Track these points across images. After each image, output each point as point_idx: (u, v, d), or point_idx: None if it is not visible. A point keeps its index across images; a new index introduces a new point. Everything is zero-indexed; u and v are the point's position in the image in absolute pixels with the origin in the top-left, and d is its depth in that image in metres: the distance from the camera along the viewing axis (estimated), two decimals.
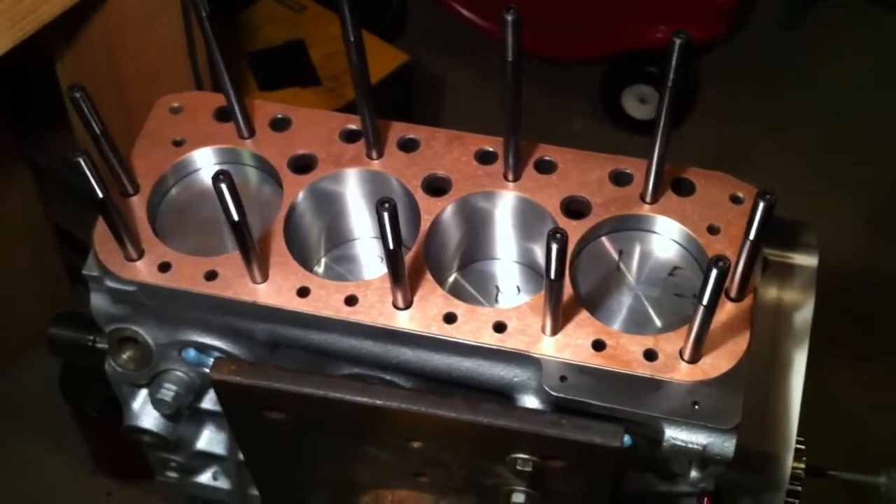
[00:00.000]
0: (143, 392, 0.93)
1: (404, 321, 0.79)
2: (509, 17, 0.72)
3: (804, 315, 0.89)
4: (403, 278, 0.77)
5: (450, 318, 0.79)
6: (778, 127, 2.54)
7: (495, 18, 2.52)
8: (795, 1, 2.67)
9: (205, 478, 1.04)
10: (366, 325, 0.79)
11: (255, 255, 0.79)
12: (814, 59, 2.67)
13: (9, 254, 1.90)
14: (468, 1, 2.51)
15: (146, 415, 0.94)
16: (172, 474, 1.04)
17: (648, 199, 0.83)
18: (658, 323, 0.81)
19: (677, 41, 0.70)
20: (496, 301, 0.88)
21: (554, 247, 0.68)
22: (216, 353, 0.88)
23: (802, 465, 0.97)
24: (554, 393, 0.76)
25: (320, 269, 0.90)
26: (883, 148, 2.49)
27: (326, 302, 0.80)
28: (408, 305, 0.79)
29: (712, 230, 0.81)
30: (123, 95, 1.32)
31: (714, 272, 0.67)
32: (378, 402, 0.76)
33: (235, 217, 0.74)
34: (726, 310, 0.78)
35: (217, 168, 0.89)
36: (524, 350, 0.77)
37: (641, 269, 0.83)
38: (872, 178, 2.43)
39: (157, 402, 0.90)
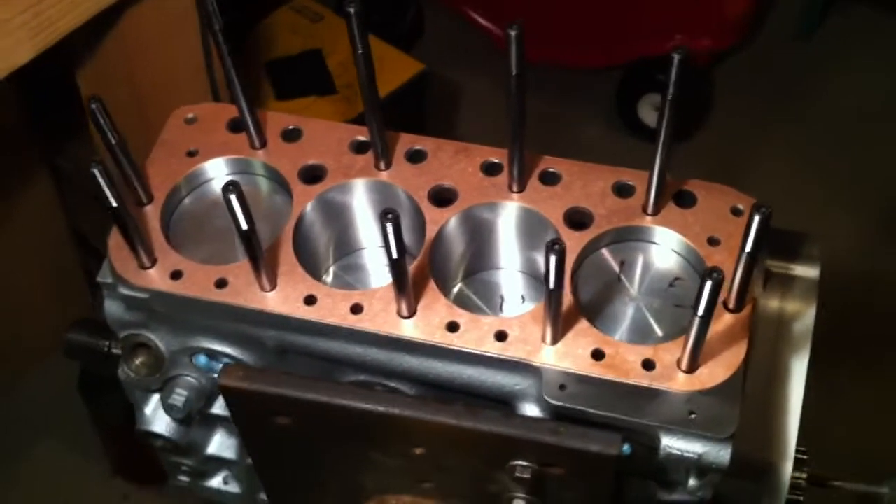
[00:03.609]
0: (156, 397, 0.95)
1: (408, 329, 0.81)
2: (513, 33, 0.74)
3: (805, 325, 0.90)
4: (407, 287, 0.79)
5: (453, 327, 0.80)
6: (791, 139, 2.54)
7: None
8: (809, 11, 2.67)
9: (216, 482, 1.07)
10: (370, 333, 0.81)
11: (263, 263, 0.81)
12: (828, 69, 2.67)
13: (28, 259, 1.93)
14: (485, 9, 2.54)
15: (158, 419, 0.96)
16: (184, 478, 1.06)
17: (650, 210, 0.84)
18: (658, 333, 0.82)
19: (676, 56, 0.71)
20: (500, 310, 0.90)
21: (552, 258, 0.70)
22: (226, 360, 0.90)
23: (804, 475, 0.98)
24: (553, 401, 0.78)
25: (329, 277, 0.92)
26: None
27: (332, 310, 0.82)
28: (412, 314, 0.81)
29: (713, 241, 0.83)
30: (141, 106, 1.35)
31: (708, 284, 0.68)
32: (381, 408, 0.78)
33: (244, 227, 0.76)
34: (724, 320, 0.79)
35: (228, 178, 0.91)
36: (524, 359, 0.79)
37: (642, 279, 0.85)
38: (888, 193, 2.43)
39: (168, 407, 0.92)
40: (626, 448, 0.77)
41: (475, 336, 0.80)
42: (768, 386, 0.90)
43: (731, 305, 0.79)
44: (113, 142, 0.82)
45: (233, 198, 0.74)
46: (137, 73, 1.32)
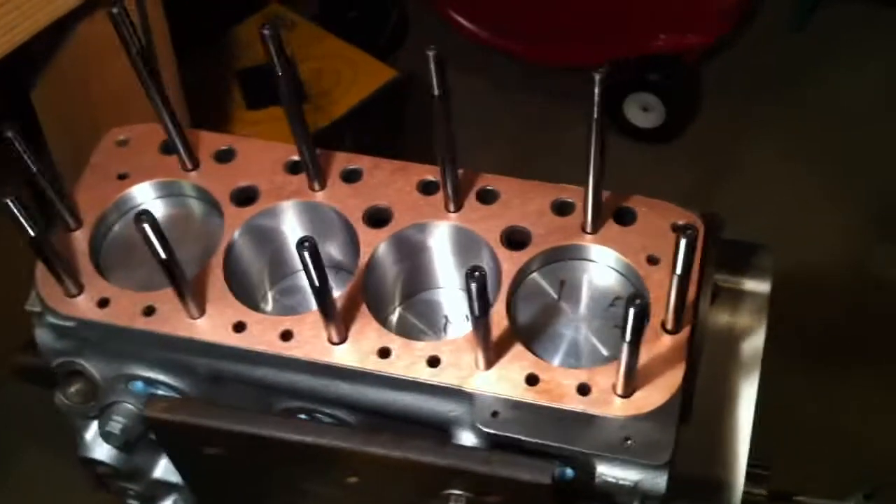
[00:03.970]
0: (95, 423, 0.93)
1: (338, 356, 0.78)
2: (430, 53, 0.71)
3: (755, 341, 0.88)
4: (334, 315, 0.77)
5: (384, 353, 0.78)
6: (783, 135, 2.50)
7: (497, 30, 2.52)
8: (801, 3, 2.64)
9: None
10: (301, 361, 0.79)
11: (188, 291, 0.79)
12: (822, 64, 2.63)
13: (8, 261, 1.91)
14: (469, 13, 2.51)
15: (99, 446, 0.94)
16: (133, 502, 1.04)
17: (589, 228, 0.82)
18: (598, 355, 0.80)
19: (597, 76, 0.69)
20: (444, 331, 0.88)
21: (473, 286, 0.68)
22: (163, 387, 0.88)
23: (764, 492, 0.96)
24: (484, 429, 0.75)
25: (267, 302, 0.90)
26: (893, 158, 2.45)
27: (261, 337, 0.80)
28: (342, 340, 0.79)
29: (652, 260, 0.80)
30: (97, 119, 1.33)
31: (631, 311, 0.66)
32: (308, 439, 0.75)
33: (162, 255, 0.74)
34: (662, 342, 0.77)
35: (158, 202, 0.89)
36: (457, 385, 0.76)
37: (581, 300, 0.82)
38: (882, 189, 2.39)
39: (105, 435, 0.90)
40: (568, 472, 0.76)
41: (407, 362, 0.78)
42: (718, 404, 0.88)
43: (669, 326, 0.77)
44: (33, 170, 0.80)
45: (146, 227, 0.71)
46: (93, 85, 1.30)
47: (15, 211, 0.74)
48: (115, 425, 0.89)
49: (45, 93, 1.32)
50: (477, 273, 0.67)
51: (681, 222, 0.82)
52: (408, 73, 2.01)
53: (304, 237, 0.69)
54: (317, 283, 0.72)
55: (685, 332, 0.77)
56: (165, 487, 1.01)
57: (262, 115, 1.80)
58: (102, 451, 0.94)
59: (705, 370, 0.86)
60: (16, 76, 1.36)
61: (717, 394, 0.89)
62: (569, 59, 2.50)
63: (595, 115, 0.71)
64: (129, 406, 0.90)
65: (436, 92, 0.73)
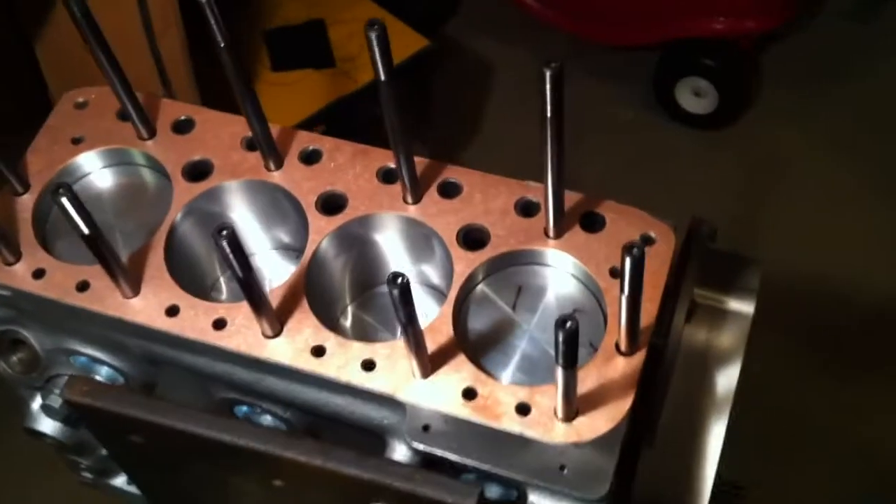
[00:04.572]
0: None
1: (270, 350, 0.74)
2: (372, 35, 0.65)
3: (732, 365, 0.81)
4: (264, 307, 0.72)
5: (318, 352, 0.73)
6: (835, 129, 2.38)
7: (549, 4, 2.43)
8: None
9: (119, 481, 1.02)
10: (231, 352, 0.74)
11: (119, 269, 0.75)
12: (884, 58, 2.49)
13: None
14: None
15: (44, 418, 0.91)
16: (87, 475, 1.01)
17: (552, 233, 0.76)
18: (549, 372, 0.74)
19: (548, 71, 0.62)
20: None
21: (395, 292, 0.62)
22: (103, 365, 0.84)
23: None
24: (413, 442, 0.70)
25: (219, 290, 0.86)
26: None
27: (194, 323, 0.75)
28: (276, 334, 0.74)
29: (614, 273, 0.74)
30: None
31: (560, 335, 0.60)
32: (226, 438, 0.71)
33: (85, 231, 0.70)
34: (614, 364, 0.70)
35: (110, 170, 0.85)
36: (388, 393, 0.71)
37: (538, 310, 0.76)
38: None
39: (46, 408, 0.87)
40: (496, 491, 0.70)
41: (340, 362, 0.73)
42: (686, 426, 0.82)
43: (623, 348, 0.70)
44: None
45: (64, 202, 0.67)
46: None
47: None
48: (56, 399, 0.86)
49: (47, 43, 1.29)
50: (399, 280, 0.61)
51: (651, 233, 0.75)
52: (439, 43, 1.94)
53: (221, 225, 0.64)
54: (239, 274, 0.67)
55: (639, 355, 0.70)
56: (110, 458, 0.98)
57: (287, 76, 1.75)
58: (47, 424, 0.91)
59: (676, 389, 0.80)
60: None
61: (687, 416, 0.82)
62: (619, 38, 2.41)
63: (548, 114, 0.64)
64: (72, 374, 0.86)
65: (382, 77, 0.67)
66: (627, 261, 0.61)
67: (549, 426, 0.69)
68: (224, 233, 0.64)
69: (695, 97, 2.41)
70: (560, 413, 0.68)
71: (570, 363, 0.62)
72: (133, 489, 1.01)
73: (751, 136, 2.40)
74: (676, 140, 2.43)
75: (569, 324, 0.59)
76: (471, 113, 2.31)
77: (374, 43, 0.65)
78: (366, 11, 1.86)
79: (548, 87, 0.63)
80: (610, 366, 0.70)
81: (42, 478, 1.58)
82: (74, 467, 1.00)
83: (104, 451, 0.96)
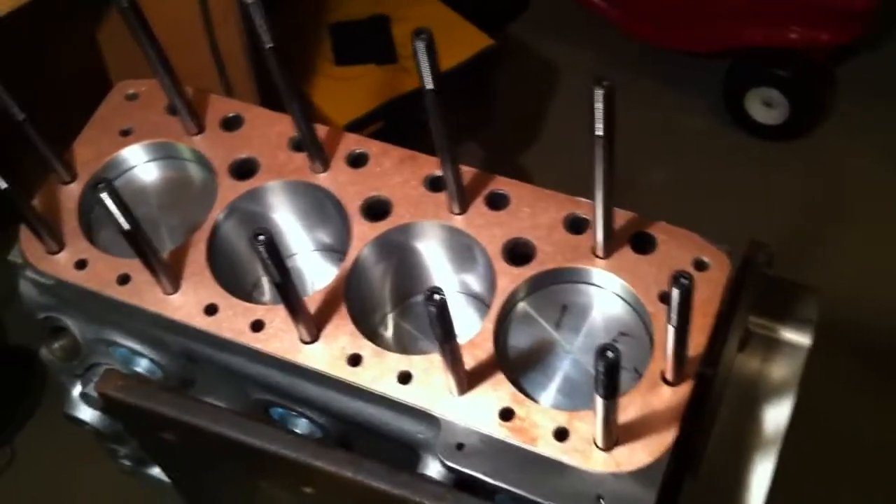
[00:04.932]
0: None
1: (306, 356, 0.72)
2: (420, 43, 0.63)
3: (785, 397, 0.78)
4: (301, 312, 0.70)
5: (354, 360, 0.72)
6: None
7: (619, 6, 2.39)
8: None
9: (157, 471, 1.02)
10: (267, 355, 0.73)
11: (159, 265, 0.74)
12: None
13: None
14: None
15: (83, 405, 0.91)
16: (126, 463, 1.01)
17: (600, 252, 0.73)
18: (590, 396, 0.71)
19: (599, 90, 0.59)
20: None
21: (432, 309, 0.60)
22: (142, 358, 0.84)
23: None
24: (446, 461, 0.68)
25: (260, 289, 0.85)
26: None
27: (231, 324, 0.74)
28: (313, 339, 0.73)
29: (664, 298, 0.71)
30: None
31: (601, 364, 0.57)
32: (258, 442, 0.70)
33: (125, 226, 0.69)
34: (659, 394, 0.68)
35: (157, 163, 0.84)
36: (424, 407, 0.69)
37: (582, 331, 0.74)
38: None
39: (84, 396, 0.87)
40: None
41: (376, 373, 0.71)
42: (733, 459, 0.79)
43: (669, 378, 0.67)
44: (19, 119, 0.76)
45: (105, 197, 0.66)
46: (157, 26, 1.26)
47: None
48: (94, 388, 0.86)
49: (109, 32, 1.28)
50: (436, 296, 0.59)
51: (705, 258, 0.72)
52: (503, 43, 1.91)
53: (259, 229, 0.63)
54: (277, 279, 0.66)
55: (686, 386, 0.67)
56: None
57: (350, 71, 1.74)
58: (85, 412, 0.91)
59: (724, 420, 0.77)
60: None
61: (734, 449, 0.79)
62: (691, 44, 2.35)
63: (598, 132, 0.62)
64: (107, 367, 0.86)
65: (429, 85, 0.65)
66: (675, 291, 0.58)
67: (587, 453, 0.66)
68: (261, 238, 0.63)
69: (765, 107, 2.35)
70: (599, 441, 0.66)
71: (610, 394, 0.59)
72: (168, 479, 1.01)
73: (821, 149, 2.33)
74: (744, 150, 2.37)
75: (610, 354, 0.56)
76: (531, 117, 2.28)
77: (422, 52, 0.63)
78: (431, 9, 1.84)
79: (599, 104, 0.60)
80: (654, 395, 0.67)
81: (90, 463, 1.59)
82: (113, 455, 1.00)
83: None
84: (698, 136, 2.42)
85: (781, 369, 0.79)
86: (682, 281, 0.57)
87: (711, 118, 2.44)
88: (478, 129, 1.95)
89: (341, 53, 1.77)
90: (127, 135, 0.84)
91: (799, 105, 2.29)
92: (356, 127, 1.65)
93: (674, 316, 0.60)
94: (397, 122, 1.69)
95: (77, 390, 0.91)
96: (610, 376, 0.58)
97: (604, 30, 2.38)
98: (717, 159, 2.38)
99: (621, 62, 2.46)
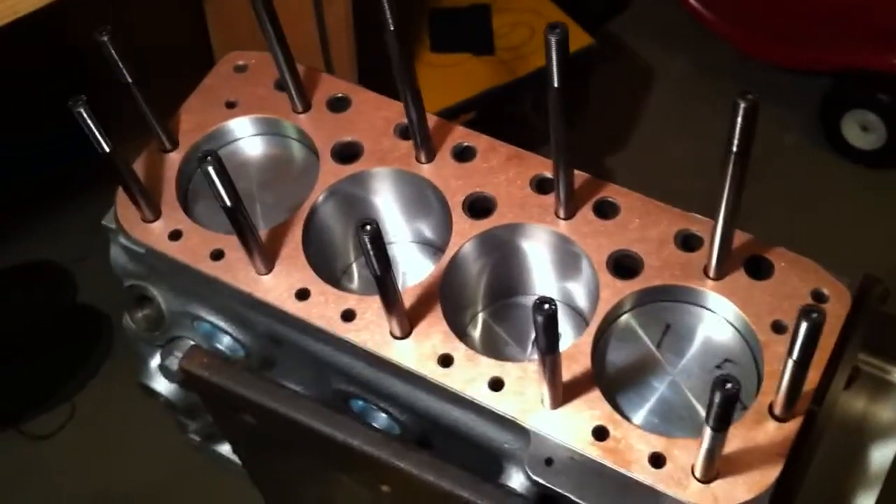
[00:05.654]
0: (160, 352, 0.89)
1: (396, 352, 0.70)
2: (552, 38, 0.60)
3: (889, 442, 0.74)
4: (397, 306, 0.68)
5: (446, 361, 0.69)
6: None
7: (723, 14, 2.33)
8: None
9: (225, 449, 1.01)
10: (355, 346, 0.71)
11: (255, 244, 0.72)
12: None
13: None
14: None
15: (159, 377, 0.90)
16: (194, 437, 1.00)
17: (712, 273, 0.69)
18: (688, 422, 0.68)
19: (742, 103, 0.56)
20: (532, 347, 0.78)
21: (539, 319, 0.57)
22: (226, 335, 0.82)
23: None
24: (533, 476, 0.65)
25: (350, 276, 0.83)
26: None
27: (323, 311, 0.72)
28: (405, 335, 0.70)
29: (778, 328, 0.67)
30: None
31: (717, 396, 0.54)
32: (339, 435, 0.68)
33: (227, 202, 0.67)
34: (765, 428, 0.64)
35: (260, 138, 0.83)
36: (515, 417, 0.67)
37: (685, 353, 0.70)
38: None
39: (163, 369, 0.86)
40: None
41: (467, 377, 0.69)
42: (829, 502, 0.75)
43: (778, 412, 0.64)
44: (128, 80, 0.74)
45: (210, 170, 0.65)
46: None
47: (87, 120, 0.69)
48: (175, 361, 0.85)
49: (218, 6, 1.27)
50: (545, 305, 0.57)
51: (825, 290, 0.68)
52: (601, 42, 1.87)
53: (366, 220, 0.60)
54: (377, 272, 0.64)
55: (795, 422, 0.64)
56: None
57: (445, 59, 1.72)
58: (162, 383, 0.90)
59: (822, 461, 0.73)
60: None
61: (831, 490, 0.75)
62: (791, 59, 2.28)
63: (734, 148, 0.58)
64: (193, 344, 0.85)
65: (556, 83, 0.62)
66: (804, 325, 0.55)
67: (684, 483, 0.63)
68: (368, 227, 0.60)
69: (862, 131, 2.27)
70: (698, 472, 0.62)
71: (722, 426, 0.56)
72: (237, 459, 1.00)
73: None
74: (837, 171, 2.30)
75: (729, 385, 0.53)
76: (621, 121, 2.23)
77: (554, 47, 0.60)
78: (534, 1, 1.80)
79: (739, 119, 0.57)
80: (760, 429, 0.64)
81: (148, 428, 1.60)
82: (183, 429, 1.00)
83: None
84: (785, 154, 2.36)
85: (888, 411, 0.75)
86: (813, 315, 0.54)
87: (804, 136, 2.37)
88: (567, 128, 1.91)
89: (438, 40, 1.75)
90: (232, 107, 0.82)
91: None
92: (447, 116, 1.61)
93: (797, 350, 0.57)
94: (490, 115, 1.66)
95: (155, 361, 0.90)
96: (725, 408, 0.54)
97: (702, 36, 2.32)
98: (808, 179, 2.31)
99: (718, 69, 2.40)
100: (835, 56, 2.18)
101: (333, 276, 0.81)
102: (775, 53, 2.29)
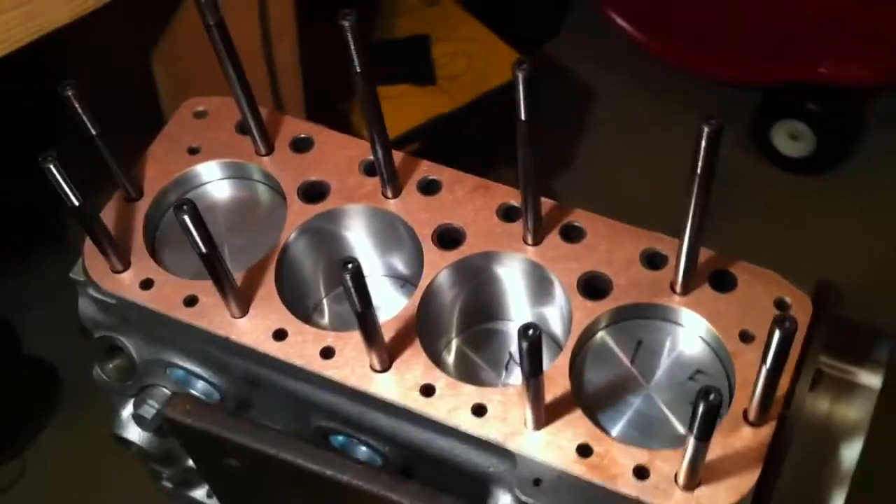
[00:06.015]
0: (132, 402, 0.89)
1: (377, 386, 0.71)
2: (520, 74, 0.63)
3: (854, 440, 0.77)
4: (377, 342, 0.69)
5: (428, 391, 0.71)
6: None
7: (652, 32, 2.39)
8: None
9: (199, 494, 1.00)
10: (336, 383, 0.72)
11: (231, 288, 0.73)
12: None
13: None
14: (625, 11, 2.38)
15: (133, 426, 0.90)
16: (167, 484, 1.00)
17: (679, 288, 0.72)
18: (666, 434, 0.70)
19: (706, 128, 0.59)
20: (506, 370, 0.79)
21: (524, 345, 0.59)
22: (201, 380, 0.82)
23: None
24: (522, 497, 0.67)
25: (321, 312, 0.84)
26: None
27: (301, 350, 0.73)
28: (385, 368, 0.72)
29: (745, 337, 0.70)
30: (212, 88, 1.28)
31: (701, 406, 0.56)
32: (328, 471, 0.69)
33: (203, 249, 0.68)
34: (741, 435, 0.67)
35: (226, 182, 0.84)
36: (499, 442, 0.68)
37: (658, 368, 0.73)
38: None
39: (137, 418, 0.85)
40: None
41: (450, 405, 0.70)
42: (800, 500, 0.78)
43: (752, 418, 0.66)
44: (92, 133, 0.75)
45: (186, 219, 0.65)
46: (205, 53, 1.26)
47: (56, 175, 0.70)
48: (149, 409, 0.85)
49: (165, 52, 1.27)
50: (530, 331, 0.58)
51: (787, 299, 0.71)
52: (539, 64, 1.91)
53: (347, 258, 0.62)
54: (358, 308, 0.65)
55: (769, 427, 0.67)
56: (198, 476, 0.97)
57: (387, 90, 1.73)
58: (135, 433, 0.89)
59: (791, 463, 0.76)
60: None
61: (802, 489, 0.78)
62: (724, 74, 2.35)
63: (698, 170, 0.61)
64: (166, 392, 0.85)
65: (523, 116, 0.64)
66: (777, 333, 0.57)
67: (668, 493, 0.65)
68: (350, 266, 0.62)
69: (791, 140, 2.35)
70: (682, 481, 0.65)
71: (706, 436, 0.58)
72: (213, 502, 1.00)
73: (852, 181, 2.33)
74: (768, 179, 2.36)
75: (712, 396, 0.55)
76: (563, 141, 2.27)
77: (521, 82, 0.63)
78: (472, 30, 1.83)
79: (703, 142, 0.59)
80: (737, 435, 0.66)
81: (102, 478, 1.58)
82: (156, 476, 0.99)
83: (189, 464, 0.94)
84: (722, 164, 2.42)
85: (852, 410, 0.78)
86: (786, 325, 0.56)
87: (735, 147, 2.43)
88: (507, 151, 1.94)
89: (383, 73, 1.77)
90: (195, 153, 0.83)
91: (825, 138, 2.29)
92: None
93: (770, 358, 0.59)
94: (434, 145, 1.69)
95: (127, 411, 0.90)
96: (708, 418, 0.57)
97: (639, 56, 2.37)
98: (740, 188, 2.37)
99: (652, 87, 2.46)
100: (767, 70, 2.25)
101: (305, 312, 0.82)
102: (706, 68, 2.36)
